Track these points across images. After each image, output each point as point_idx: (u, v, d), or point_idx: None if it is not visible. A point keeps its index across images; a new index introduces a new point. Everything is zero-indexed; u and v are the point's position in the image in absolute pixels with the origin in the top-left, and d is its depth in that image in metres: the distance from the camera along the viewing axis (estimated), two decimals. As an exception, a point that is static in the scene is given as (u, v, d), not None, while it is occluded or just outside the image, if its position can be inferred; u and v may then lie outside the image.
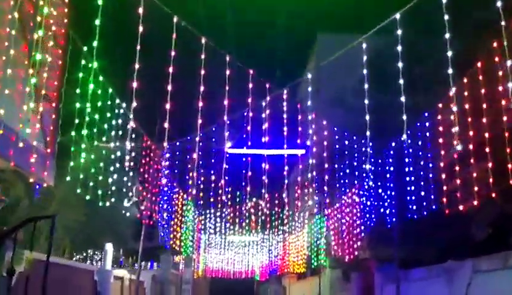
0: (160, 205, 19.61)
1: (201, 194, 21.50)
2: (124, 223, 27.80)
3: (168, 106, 10.66)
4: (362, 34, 12.25)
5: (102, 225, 26.53)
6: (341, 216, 24.28)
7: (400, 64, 10.81)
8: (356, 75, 30.72)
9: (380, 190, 19.53)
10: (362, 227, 21.92)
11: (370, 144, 11.03)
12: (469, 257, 14.09)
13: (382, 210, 19.52)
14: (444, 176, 14.44)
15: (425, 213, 16.15)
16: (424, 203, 16.09)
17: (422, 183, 16.12)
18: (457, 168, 13.68)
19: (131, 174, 17.82)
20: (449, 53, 9.83)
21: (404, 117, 10.38)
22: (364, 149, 18.59)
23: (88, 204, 24.19)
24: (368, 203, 20.28)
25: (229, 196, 23.64)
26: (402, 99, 10.35)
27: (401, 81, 10.24)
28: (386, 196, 19.14)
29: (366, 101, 11.12)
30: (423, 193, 16.10)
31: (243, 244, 40.97)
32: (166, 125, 10.85)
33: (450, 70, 9.92)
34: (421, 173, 16.14)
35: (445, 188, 14.40)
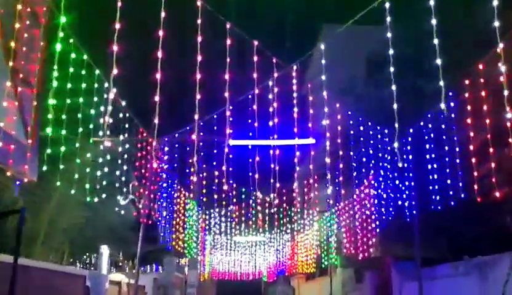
0: (160, 203, 17.87)
1: (204, 190, 19.78)
2: (126, 225, 26.20)
3: (159, 87, 8.90)
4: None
5: (103, 228, 24.97)
6: (354, 210, 22.50)
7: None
8: (363, 64, 29.08)
9: (397, 182, 17.74)
10: (377, 222, 20.13)
11: (396, 125, 9.24)
12: (507, 251, 12.32)
13: (400, 202, 17.72)
14: (474, 160, 12.67)
15: (452, 203, 14.35)
16: (451, 192, 14.29)
17: (448, 170, 14.32)
18: (491, 150, 11.92)
19: (125, 167, 16.14)
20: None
21: (441, 83, 8.59)
22: (379, 136, 16.83)
23: (88, 206, 22.68)
24: (385, 195, 18.49)
25: (234, 193, 21.96)
26: (438, 61, 8.58)
27: (436, 40, 8.48)
28: (404, 188, 17.35)
29: (391, 69, 9.37)
30: (449, 182, 14.30)
31: (250, 245, 39.17)
32: (157, 108, 9.08)
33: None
34: (447, 159, 14.35)
35: (476, 174, 12.62)
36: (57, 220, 23.87)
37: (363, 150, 17.04)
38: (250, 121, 14.21)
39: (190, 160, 18.15)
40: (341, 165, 14.86)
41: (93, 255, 32.87)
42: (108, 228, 24.67)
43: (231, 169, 15.94)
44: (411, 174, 16.59)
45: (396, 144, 9.42)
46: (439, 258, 16.40)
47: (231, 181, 21.88)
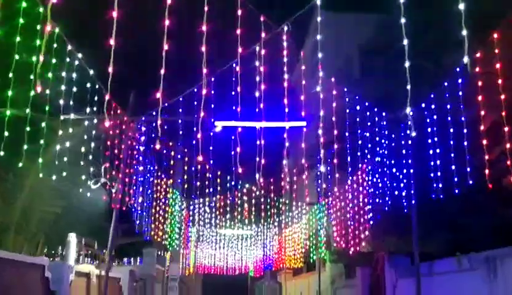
0: (135, 188, 16.11)
1: (185, 176, 18.05)
2: (104, 215, 24.52)
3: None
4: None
5: (81, 217, 23.32)
6: (346, 201, 20.91)
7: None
8: (357, 49, 27.45)
9: (394, 170, 16.16)
10: (371, 214, 18.54)
11: (409, 87, 7.62)
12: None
13: (397, 192, 16.14)
14: (485, 142, 11.09)
15: (457, 191, 12.80)
16: (456, 179, 12.73)
17: (452, 154, 12.73)
18: (506, 129, 10.37)
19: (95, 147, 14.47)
20: None
21: (464, 32, 6.99)
22: (376, 119, 15.24)
23: (64, 195, 20.95)
24: (380, 184, 16.90)
25: (218, 180, 20.28)
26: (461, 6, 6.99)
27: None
28: (401, 176, 15.78)
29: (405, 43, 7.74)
30: (453, 167, 12.72)
31: (236, 238, 37.47)
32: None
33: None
34: (451, 142, 12.77)
35: (487, 157, 11.04)
36: (31, 210, 22.14)
37: (359, 132, 15.41)
38: (234, 93, 12.51)
39: (171, 143, 16.52)
40: (335, 146, 13.14)
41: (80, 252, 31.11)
42: (86, 218, 23.00)
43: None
44: (410, 161, 15.00)
45: (408, 109, 7.78)
46: (439, 252, 14.83)
47: (219, 172, 20.34)
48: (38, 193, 21.81)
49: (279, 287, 41.29)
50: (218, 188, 19.81)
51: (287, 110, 12.19)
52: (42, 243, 22.14)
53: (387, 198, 16.11)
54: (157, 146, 14.23)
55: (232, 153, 12.37)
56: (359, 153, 15.65)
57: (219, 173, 19.73)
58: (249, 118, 15.64)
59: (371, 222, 18.61)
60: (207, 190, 20.59)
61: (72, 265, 13.77)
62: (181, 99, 14.58)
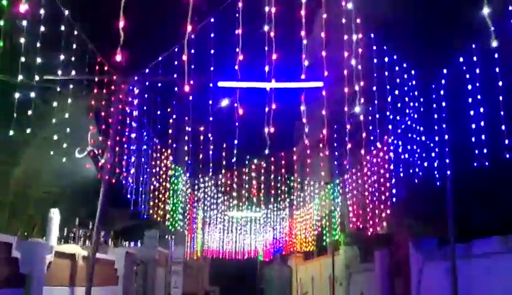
0: (128, 159, 13.86)
1: (185, 148, 15.78)
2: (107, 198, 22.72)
3: None
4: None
5: (81, 199, 21.48)
6: (365, 178, 18.63)
7: None
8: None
9: (424, 138, 13.81)
10: (394, 190, 16.23)
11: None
12: None
13: (426, 164, 13.81)
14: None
15: (508, 156, 10.45)
16: (507, 141, 10.38)
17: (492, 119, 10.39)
18: None
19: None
20: None
21: None
22: (405, 76, 12.88)
23: (64, 173, 19.04)
24: (406, 155, 14.55)
25: (223, 154, 18.05)
26: None
27: None
28: (432, 144, 13.44)
29: None
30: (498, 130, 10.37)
31: (244, 221, 35.29)
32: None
33: None
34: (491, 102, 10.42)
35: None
36: (28, 190, 20.18)
37: (387, 88, 13.02)
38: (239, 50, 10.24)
39: (169, 109, 14.31)
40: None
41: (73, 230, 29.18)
42: (87, 200, 21.12)
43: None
44: (444, 126, 12.65)
45: (485, 10, 5.47)
46: (479, 231, 12.53)
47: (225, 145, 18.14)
48: (35, 172, 19.84)
49: (289, 271, 39.23)
50: (224, 163, 17.53)
51: (306, 63, 9.93)
52: (39, 226, 20.24)
53: (417, 169, 13.73)
54: (186, 88, 12.06)
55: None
56: (389, 114, 13.28)
57: (224, 145, 17.49)
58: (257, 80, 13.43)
59: (394, 199, 16.30)
60: (211, 165, 18.38)
61: (53, 244, 11.66)
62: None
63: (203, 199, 24.76)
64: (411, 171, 14.39)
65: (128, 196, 13.97)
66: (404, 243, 17.48)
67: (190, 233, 26.78)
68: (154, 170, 17.34)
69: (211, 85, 13.37)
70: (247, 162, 19.68)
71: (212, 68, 12.71)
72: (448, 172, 12.41)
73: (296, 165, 24.34)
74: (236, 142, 11.77)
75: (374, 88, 12.78)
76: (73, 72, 12.04)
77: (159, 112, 12.99)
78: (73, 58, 12.28)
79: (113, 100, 12.91)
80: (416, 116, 13.36)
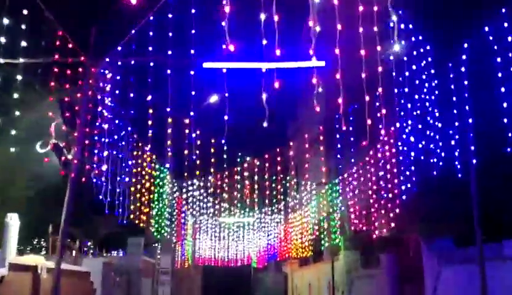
0: (101, 155, 11.75)
1: (168, 142, 13.69)
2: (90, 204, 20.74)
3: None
4: None
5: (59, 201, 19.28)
6: (368, 175, 16.73)
7: None
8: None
9: (440, 124, 11.92)
10: (403, 187, 14.32)
11: None
12: None
13: (443, 154, 11.91)
14: None
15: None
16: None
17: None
18: None
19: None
20: None
21: None
22: (421, 50, 10.96)
23: (39, 175, 17.03)
24: (421, 144, 12.61)
25: (212, 150, 16.08)
26: None
27: None
28: (451, 132, 11.55)
29: None
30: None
31: (237, 226, 33.18)
32: None
33: None
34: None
35: None
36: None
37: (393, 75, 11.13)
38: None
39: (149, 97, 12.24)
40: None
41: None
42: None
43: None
44: (467, 107, 10.75)
45: None
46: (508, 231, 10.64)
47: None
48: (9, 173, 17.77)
49: (284, 278, 37.16)
50: (212, 160, 15.54)
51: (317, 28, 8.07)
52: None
53: (434, 160, 11.80)
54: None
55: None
56: (399, 98, 11.35)
57: (213, 140, 15.52)
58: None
59: (403, 197, 14.39)
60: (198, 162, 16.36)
61: (7, 256, 9.58)
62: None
63: (191, 203, 22.65)
64: (425, 161, 12.46)
65: (101, 197, 11.87)
66: (414, 245, 15.60)
67: (179, 239, 24.62)
68: (134, 170, 15.27)
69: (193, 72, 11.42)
70: (238, 160, 17.62)
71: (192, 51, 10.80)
72: (474, 161, 10.51)
73: (292, 163, 22.35)
74: (226, 131, 9.74)
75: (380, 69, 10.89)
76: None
77: (132, 94, 10.89)
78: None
79: (82, 85, 10.88)
80: (433, 97, 11.43)
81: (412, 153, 12.94)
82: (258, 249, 37.07)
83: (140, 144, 15.18)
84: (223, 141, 12.61)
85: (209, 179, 20.25)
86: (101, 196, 11.91)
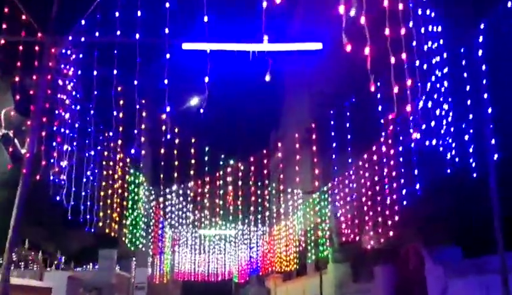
0: (61, 149, 9.92)
1: (142, 139, 11.94)
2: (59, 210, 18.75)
3: None
4: None
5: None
6: (362, 180, 15.17)
7: None
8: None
9: (451, 115, 10.39)
10: (404, 191, 12.75)
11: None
12: None
13: (454, 152, 10.38)
14: None
15: None
16: None
17: None
18: None
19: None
20: None
21: None
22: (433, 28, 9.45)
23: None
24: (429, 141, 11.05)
25: (192, 151, 14.37)
26: None
27: None
28: (464, 125, 10.04)
29: None
30: None
31: (218, 239, 31.30)
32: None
33: None
34: None
35: None
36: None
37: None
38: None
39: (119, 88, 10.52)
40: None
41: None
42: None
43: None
44: (486, 95, 9.25)
45: None
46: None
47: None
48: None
49: (267, 293, 35.24)
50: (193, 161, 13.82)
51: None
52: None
53: (450, 154, 10.22)
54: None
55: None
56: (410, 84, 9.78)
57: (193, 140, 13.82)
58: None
59: (404, 203, 12.82)
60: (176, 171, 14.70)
61: None
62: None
63: (170, 212, 20.82)
64: (434, 159, 10.91)
65: (58, 198, 10.02)
66: (414, 255, 14.02)
67: (155, 252, 22.68)
68: (105, 172, 13.46)
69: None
70: (221, 163, 15.90)
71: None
72: (496, 156, 8.99)
73: (277, 172, 20.72)
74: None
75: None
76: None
77: (96, 72, 9.13)
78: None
79: (38, 66, 9.13)
80: (446, 84, 9.91)
81: (416, 151, 11.39)
82: (240, 263, 35.21)
83: (111, 143, 13.38)
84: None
85: (189, 186, 18.45)
86: (58, 198, 10.04)
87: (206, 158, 14.39)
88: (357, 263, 19.09)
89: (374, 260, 16.67)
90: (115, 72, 9.34)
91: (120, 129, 10.80)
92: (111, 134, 12.07)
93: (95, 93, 9.31)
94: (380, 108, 11.02)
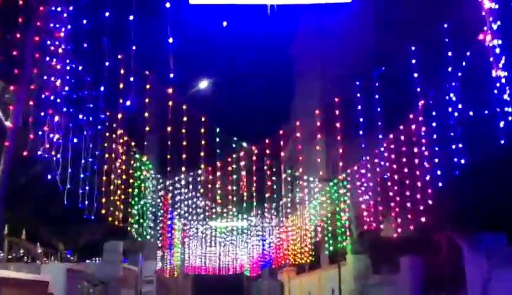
0: (52, 120, 8.50)
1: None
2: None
3: None
4: None
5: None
6: (388, 161, 13.70)
7: None
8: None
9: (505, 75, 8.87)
10: (439, 172, 11.29)
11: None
12: None
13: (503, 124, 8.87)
14: None
15: None
16: None
17: None
18: None
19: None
20: None
21: None
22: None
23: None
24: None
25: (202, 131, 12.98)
26: None
27: None
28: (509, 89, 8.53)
29: None
30: None
31: (229, 232, 29.93)
32: None
33: None
34: None
35: None
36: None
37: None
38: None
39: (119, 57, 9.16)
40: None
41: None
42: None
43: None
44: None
45: None
46: None
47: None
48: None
49: (280, 286, 33.88)
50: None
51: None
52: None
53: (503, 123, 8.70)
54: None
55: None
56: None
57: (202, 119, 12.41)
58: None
59: (440, 184, 11.35)
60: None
61: None
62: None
63: (179, 202, 19.46)
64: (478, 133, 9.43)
65: (49, 177, 8.65)
66: (447, 244, 12.54)
67: (164, 243, 21.31)
68: (107, 155, 12.10)
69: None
70: (234, 146, 14.47)
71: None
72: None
73: (293, 156, 19.25)
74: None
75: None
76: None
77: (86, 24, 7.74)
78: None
79: (23, 25, 7.75)
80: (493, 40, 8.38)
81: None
82: (252, 256, 33.87)
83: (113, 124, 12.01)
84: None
85: (198, 173, 17.04)
86: (49, 176, 8.67)
87: (217, 140, 12.96)
88: (379, 253, 17.63)
89: (398, 250, 15.24)
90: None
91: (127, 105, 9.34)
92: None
93: (85, 45, 7.86)
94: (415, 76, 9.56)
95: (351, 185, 17.29)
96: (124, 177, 13.60)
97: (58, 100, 8.22)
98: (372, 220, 16.40)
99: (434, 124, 11.23)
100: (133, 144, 14.05)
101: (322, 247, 23.36)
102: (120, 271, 16.89)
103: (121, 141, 12.75)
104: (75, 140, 8.91)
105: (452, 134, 10.38)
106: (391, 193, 13.89)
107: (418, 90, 10.12)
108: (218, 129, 12.90)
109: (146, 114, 10.50)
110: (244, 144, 14.46)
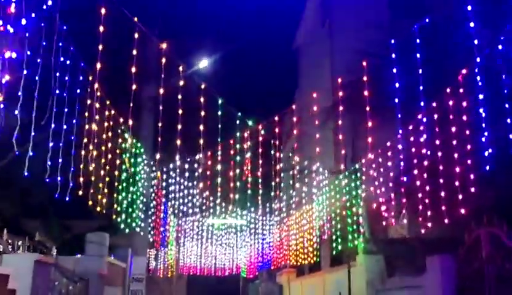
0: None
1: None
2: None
3: None
4: None
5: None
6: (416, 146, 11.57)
7: None
8: None
9: None
10: (488, 152, 9.18)
11: None
12: None
13: None
14: None
15: None
16: None
17: None
18: None
19: None
20: None
21: None
22: None
23: None
24: None
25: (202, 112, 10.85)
26: None
27: None
28: None
29: None
30: None
31: (226, 230, 27.81)
32: None
33: None
34: None
35: None
36: None
37: None
38: None
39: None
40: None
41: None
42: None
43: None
44: None
45: None
46: None
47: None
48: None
49: (279, 289, 31.63)
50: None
51: None
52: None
53: None
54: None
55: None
56: None
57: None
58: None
59: (488, 167, 9.23)
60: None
61: None
62: None
63: (173, 193, 17.29)
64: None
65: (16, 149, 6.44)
66: (489, 242, 10.40)
67: (157, 238, 19.09)
68: (86, 126, 9.92)
69: None
70: (237, 122, 12.30)
71: None
72: None
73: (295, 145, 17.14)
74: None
75: None
76: None
77: None
78: None
79: None
80: None
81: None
82: (250, 256, 31.74)
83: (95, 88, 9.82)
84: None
85: (198, 158, 14.89)
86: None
87: (219, 113, 10.80)
88: (396, 254, 15.46)
89: (423, 249, 13.11)
90: None
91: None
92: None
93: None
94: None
95: (367, 176, 15.16)
96: (109, 156, 11.43)
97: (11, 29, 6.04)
98: (389, 215, 14.27)
99: (481, 96, 9.13)
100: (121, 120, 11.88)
101: (324, 246, 21.28)
102: (104, 266, 14.76)
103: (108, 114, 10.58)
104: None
105: (507, 105, 8.29)
106: (418, 183, 11.77)
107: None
108: (220, 101, 10.75)
109: (134, 69, 8.31)
110: (250, 123, 12.29)
